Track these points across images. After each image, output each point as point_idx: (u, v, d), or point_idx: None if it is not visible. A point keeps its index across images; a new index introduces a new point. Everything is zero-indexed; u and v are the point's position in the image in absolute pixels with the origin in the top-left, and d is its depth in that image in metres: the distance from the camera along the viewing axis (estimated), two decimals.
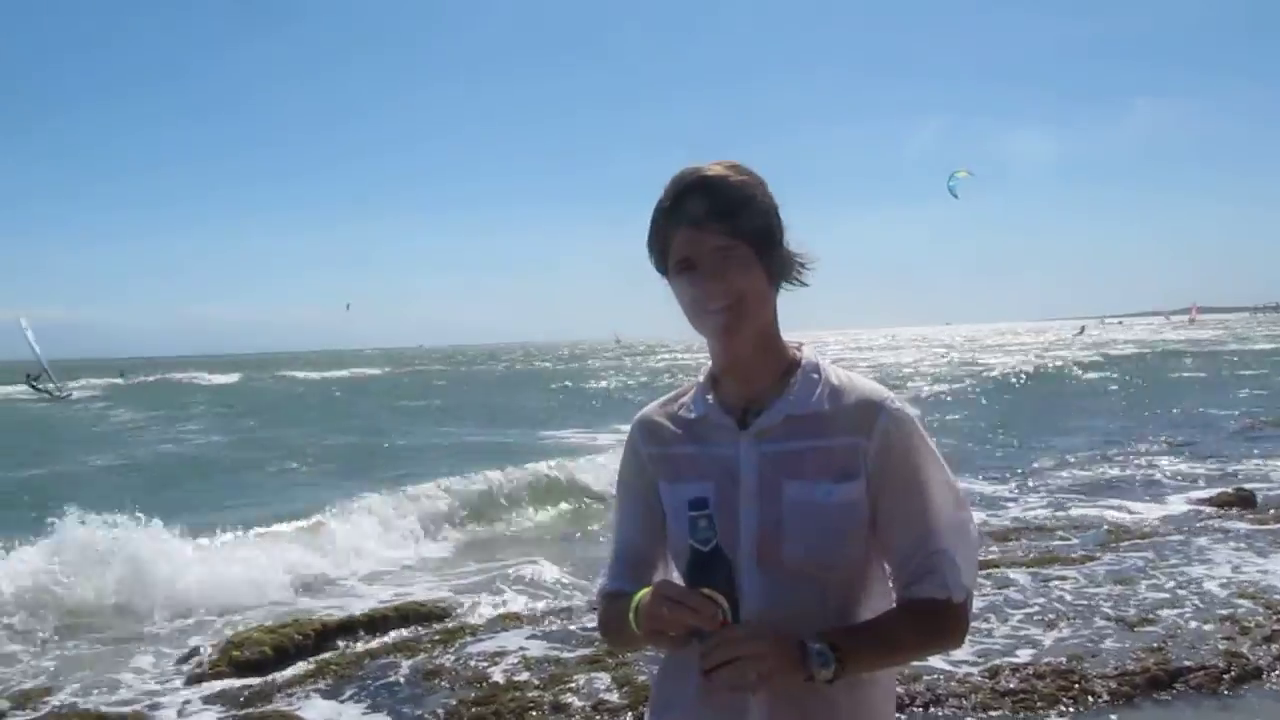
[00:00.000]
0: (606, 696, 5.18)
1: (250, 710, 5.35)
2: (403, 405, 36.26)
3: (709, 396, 1.67)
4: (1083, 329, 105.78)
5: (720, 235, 1.54)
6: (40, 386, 49.12)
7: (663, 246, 1.60)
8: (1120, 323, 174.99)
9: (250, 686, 5.75)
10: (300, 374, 66.48)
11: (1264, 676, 5.04)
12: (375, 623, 6.76)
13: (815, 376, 1.63)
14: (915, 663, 5.20)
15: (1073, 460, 14.58)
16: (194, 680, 6.01)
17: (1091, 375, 35.52)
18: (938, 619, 1.56)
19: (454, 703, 5.25)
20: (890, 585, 1.64)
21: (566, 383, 48.11)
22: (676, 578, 1.66)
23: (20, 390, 50.54)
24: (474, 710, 5.12)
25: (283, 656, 6.18)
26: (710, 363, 1.71)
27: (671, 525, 1.67)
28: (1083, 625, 5.99)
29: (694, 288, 1.56)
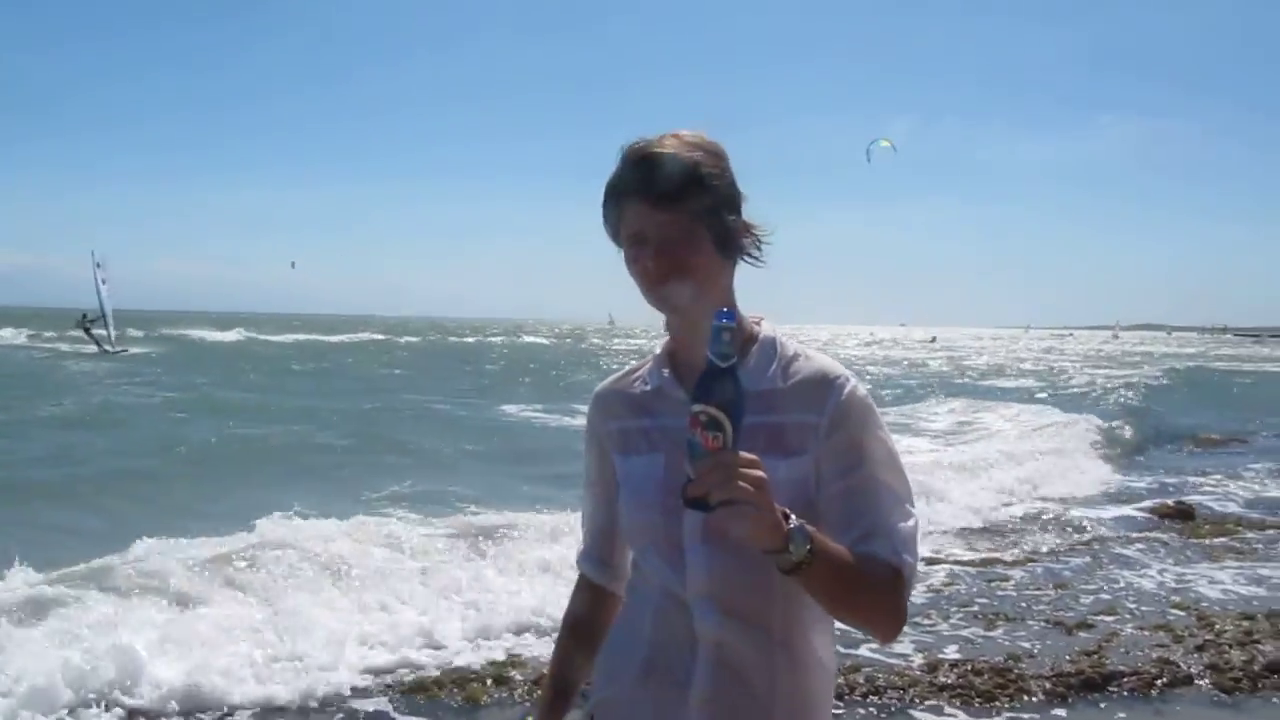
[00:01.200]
0: None
1: None
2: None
3: (664, 370, 1.66)
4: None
5: (668, 210, 1.52)
6: (94, 333, 39.83)
7: (615, 220, 1.59)
8: (1071, 334, 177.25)
9: None
10: (290, 337, 64.13)
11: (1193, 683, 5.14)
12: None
13: (771, 352, 1.61)
14: (850, 642, 5.23)
15: None
16: None
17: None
18: (886, 580, 1.51)
19: None
20: None
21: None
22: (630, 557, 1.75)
23: (69, 337, 42.17)
24: None
25: None
26: (666, 339, 1.70)
27: (624, 499, 1.67)
28: (1019, 626, 6.08)
29: (643, 263, 1.55)
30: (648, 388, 1.68)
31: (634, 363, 1.78)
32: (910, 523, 1.56)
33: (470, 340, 75.98)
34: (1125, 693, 5.05)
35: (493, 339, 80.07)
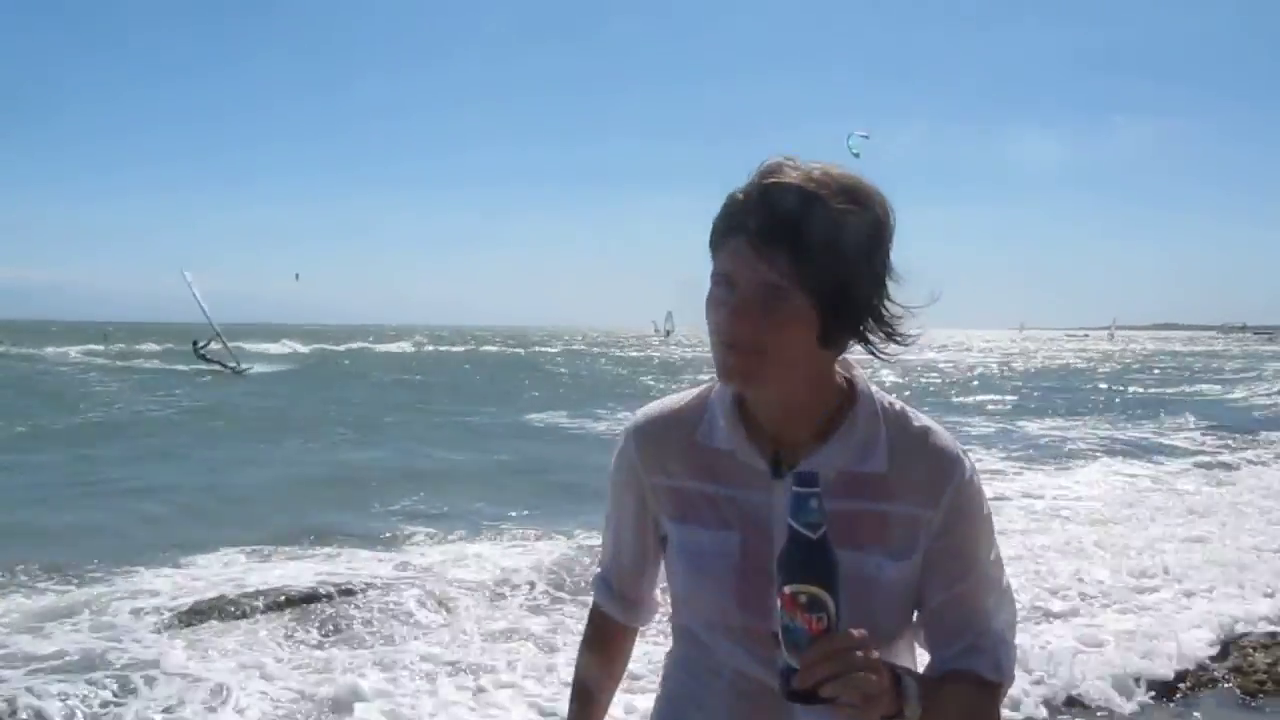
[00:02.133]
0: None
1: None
2: None
3: (737, 428, 1.35)
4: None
5: (774, 268, 1.20)
6: (211, 357, 35.93)
7: (715, 242, 1.28)
8: (1087, 334, 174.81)
9: None
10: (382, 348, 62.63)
11: None
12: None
13: (874, 421, 1.34)
14: None
15: None
16: None
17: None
18: (980, 699, 1.33)
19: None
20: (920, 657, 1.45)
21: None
22: (663, 600, 1.53)
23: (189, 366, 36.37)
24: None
25: None
26: None
27: (683, 570, 1.39)
28: None
29: (718, 309, 1.25)
30: (713, 445, 1.37)
31: (682, 393, 1.46)
32: (1011, 616, 1.38)
33: (554, 350, 72.29)
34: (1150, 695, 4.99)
35: (574, 346, 77.51)
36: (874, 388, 1.36)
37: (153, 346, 53.31)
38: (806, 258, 1.19)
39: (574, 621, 5.94)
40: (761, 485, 1.34)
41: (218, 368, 35.06)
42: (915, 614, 1.37)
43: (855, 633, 1.11)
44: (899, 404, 1.37)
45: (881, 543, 1.30)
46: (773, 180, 1.22)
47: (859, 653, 1.11)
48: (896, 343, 1.29)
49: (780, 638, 1.13)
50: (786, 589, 1.11)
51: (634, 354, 64.75)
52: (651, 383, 33.17)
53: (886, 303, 1.27)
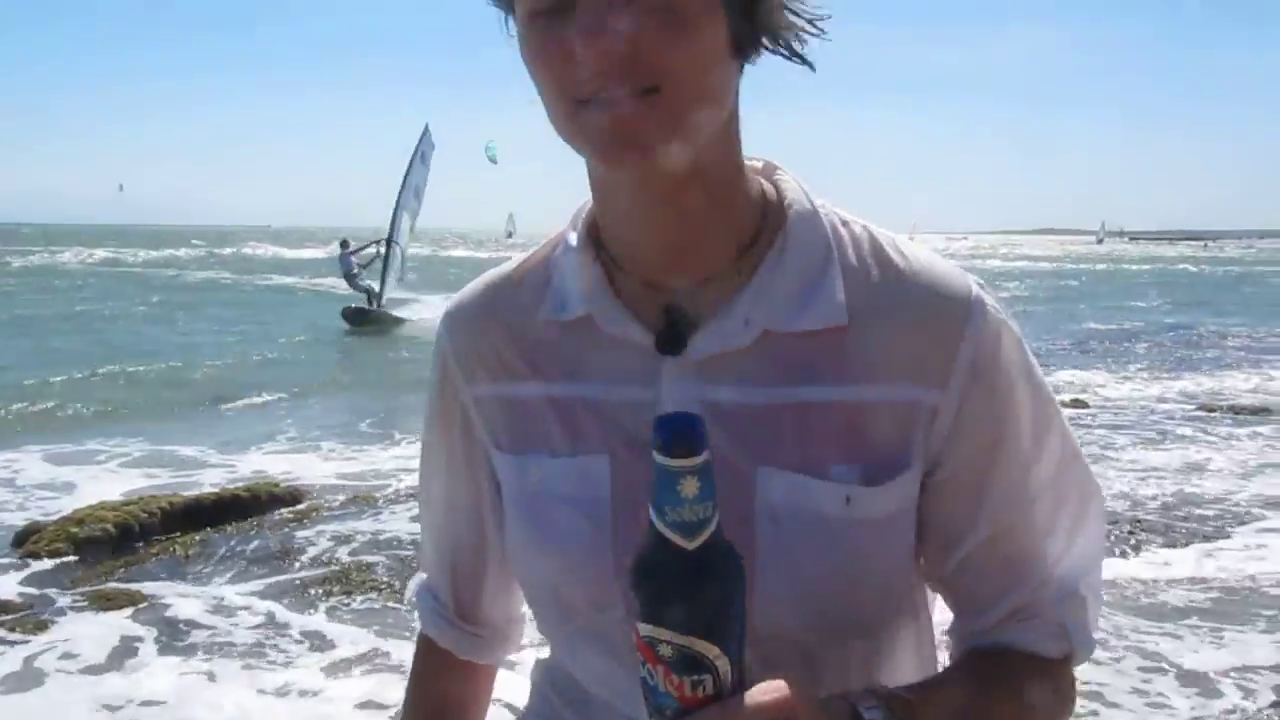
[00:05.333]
0: None
1: (89, 588, 5.22)
2: None
3: (596, 277, 0.85)
4: None
5: None
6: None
7: None
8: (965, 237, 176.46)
9: (90, 564, 5.59)
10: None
11: None
12: (225, 503, 6.61)
13: (823, 250, 0.83)
14: None
15: None
16: (29, 557, 5.80)
17: None
18: (1040, 686, 0.85)
19: (301, 581, 5.26)
20: (942, 638, 0.95)
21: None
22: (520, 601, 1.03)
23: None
24: (323, 588, 5.15)
25: (127, 535, 6.00)
26: (590, 202, 0.87)
27: (519, 538, 0.90)
28: None
29: (560, 46, 0.73)
30: (561, 317, 0.87)
31: (514, 259, 0.94)
32: (1091, 550, 0.87)
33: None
34: None
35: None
36: (822, 202, 0.86)
37: None
38: None
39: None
40: (643, 369, 0.83)
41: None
42: (923, 564, 0.88)
43: (759, 703, 0.66)
44: (862, 223, 0.86)
45: (847, 455, 0.80)
46: None
47: None
48: (814, 33, 0.80)
49: (643, 693, 0.69)
50: (640, 629, 0.66)
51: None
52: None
53: None
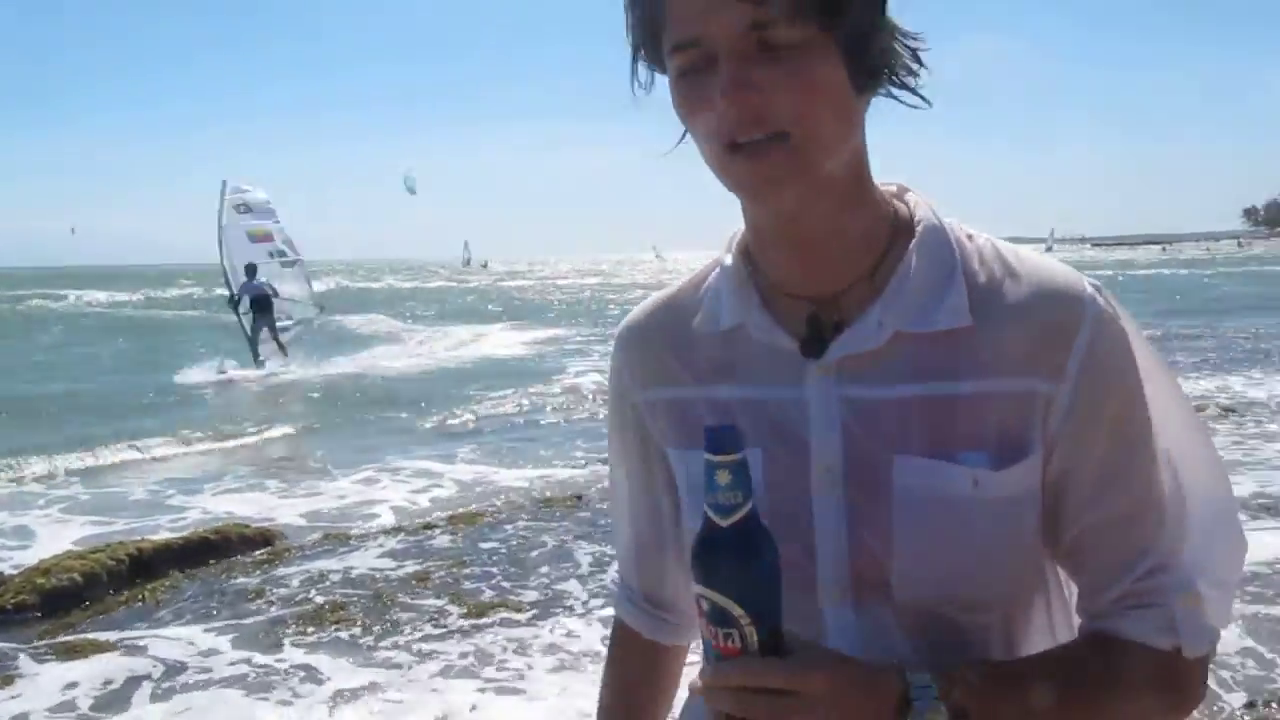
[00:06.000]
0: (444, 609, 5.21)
1: (57, 640, 5.12)
2: None
3: (748, 293, 0.97)
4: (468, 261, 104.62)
5: (765, 3, 0.81)
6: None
7: (651, 15, 0.88)
8: None
9: (57, 615, 5.49)
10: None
11: None
12: (195, 546, 6.52)
13: (946, 254, 0.92)
14: None
15: None
16: None
17: None
18: (1147, 680, 0.89)
19: (274, 622, 5.20)
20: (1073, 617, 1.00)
21: None
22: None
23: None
24: (297, 626, 5.09)
25: (93, 583, 5.89)
26: (743, 228, 0.99)
27: (686, 517, 1.03)
28: None
29: (707, 99, 0.84)
30: (720, 326, 0.98)
31: (685, 278, 1.06)
32: (1227, 548, 0.94)
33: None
34: None
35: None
36: (948, 219, 0.95)
37: None
38: None
39: None
40: (790, 371, 0.93)
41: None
42: (1052, 548, 0.95)
43: (775, 668, 0.79)
44: (985, 236, 0.95)
45: (975, 441, 0.88)
46: None
47: (781, 696, 0.79)
48: (916, 73, 0.90)
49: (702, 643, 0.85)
50: (694, 588, 0.83)
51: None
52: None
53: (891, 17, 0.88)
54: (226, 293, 19.01)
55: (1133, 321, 0.91)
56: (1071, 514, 0.91)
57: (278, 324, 18.87)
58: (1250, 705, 3.84)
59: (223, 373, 17.98)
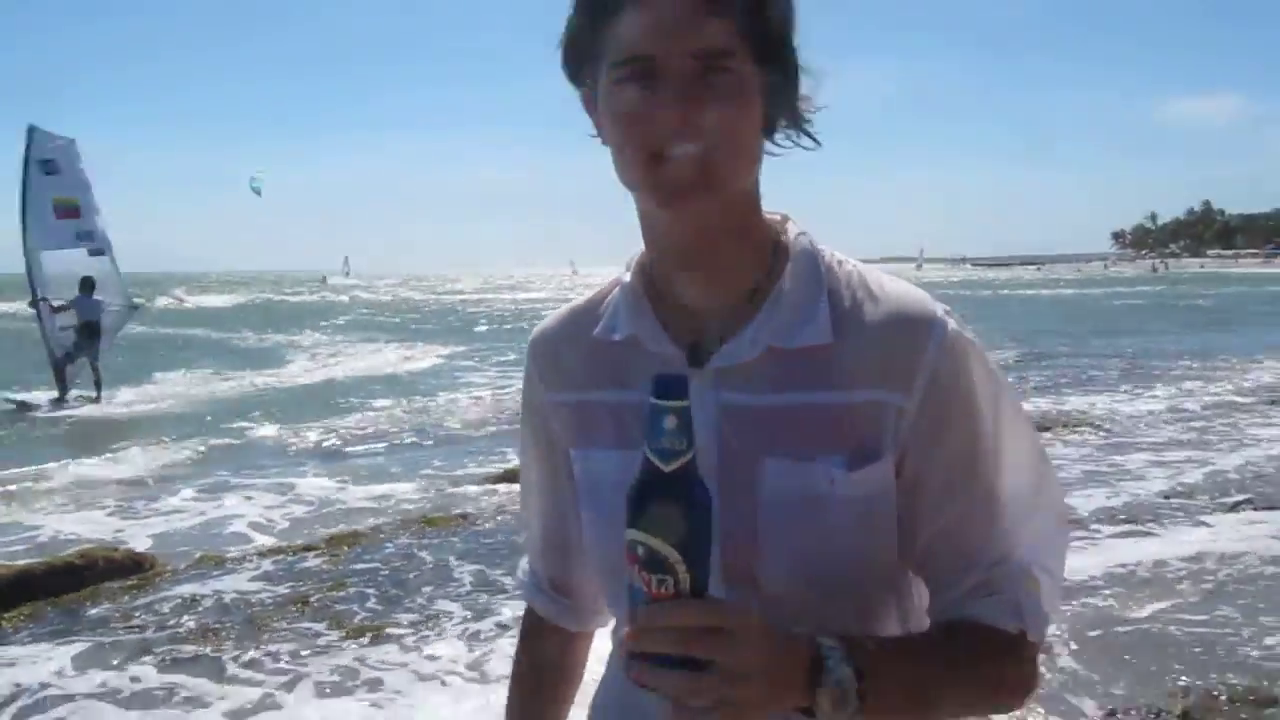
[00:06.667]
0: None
1: None
2: None
3: (643, 306, 1.07)
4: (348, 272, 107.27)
5: (714, 30, 0.92)
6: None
7: (594, 26, 0.97)
8: None
9: None
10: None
11: None
12: (58, 572, 6.22)
13: (814, 279, 1.03)
14: None
15: None
16: None
17: None
18: (998, 658, 0.99)
19: (141, 647, 5.03)
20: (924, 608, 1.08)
21: None
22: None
23: None
24: (170, 654, 4.92)
25: None
26: (642, 249, 1.09)
27: (585, 518, 1.12)
28: None
29: (647, 110, 0.93)
30: (615, 337, 1.08)
31: (591, 292, 1.16)
32: (1056, 546, 1.05)
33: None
34: None
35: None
36: (821, 246, 1.07)
37: None
38: (751, 5, 0.94)
39: None
40: None
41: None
42: (907, 556, 1.04)
43: (710, 605, 0.83)
44: (853, 262, 1.06)
45: (832, 445, 0.98)
46: None
47: (717, 634, 0.82)
48: (807, 132, 1.03)
49: (627, 597, 0.85)
50: (626, 533, 0.84)
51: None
52: None
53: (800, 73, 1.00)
54: (30, 288, 15.08)
55: (978, 342, 1.02)
56: (923, 517, 1.00)
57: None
58: (1110, 714, 3.97)
59: (10, 403, 14.57)
